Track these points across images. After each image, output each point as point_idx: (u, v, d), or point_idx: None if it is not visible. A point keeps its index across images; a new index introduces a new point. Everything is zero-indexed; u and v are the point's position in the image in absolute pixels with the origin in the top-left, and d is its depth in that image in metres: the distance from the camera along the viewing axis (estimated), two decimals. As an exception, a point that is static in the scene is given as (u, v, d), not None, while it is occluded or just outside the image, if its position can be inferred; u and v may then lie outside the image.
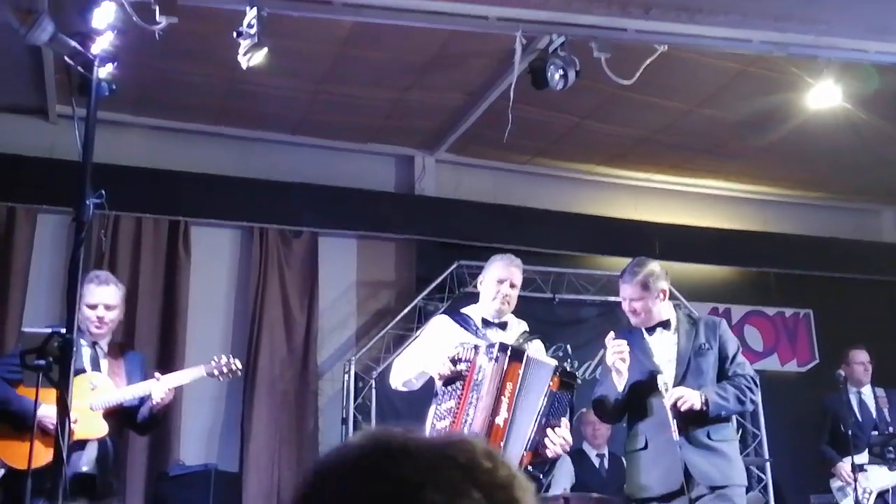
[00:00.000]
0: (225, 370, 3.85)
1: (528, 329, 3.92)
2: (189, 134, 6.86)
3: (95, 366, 3.93)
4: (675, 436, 3.64)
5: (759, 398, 4.18)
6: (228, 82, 6.14)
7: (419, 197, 7.36)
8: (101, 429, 3.72)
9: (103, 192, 3.06)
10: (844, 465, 5.67)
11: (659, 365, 3.88)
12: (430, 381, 3.74)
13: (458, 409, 3.54)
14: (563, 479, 5.88)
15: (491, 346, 3.59)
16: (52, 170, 5.93)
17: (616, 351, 3.74)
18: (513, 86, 4.96)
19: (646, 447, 3.78)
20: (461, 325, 3.81)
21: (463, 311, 3.95)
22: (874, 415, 5.96)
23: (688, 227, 7.94)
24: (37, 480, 3.23)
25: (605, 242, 7.63)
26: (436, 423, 3.60)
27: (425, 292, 6.71)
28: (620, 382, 3.74)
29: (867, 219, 8.89)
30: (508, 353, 3.56)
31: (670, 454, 3.67)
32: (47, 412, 3.55)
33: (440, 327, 3.90)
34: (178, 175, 6.60)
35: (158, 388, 3.74)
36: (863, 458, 5.69)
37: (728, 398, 3.75)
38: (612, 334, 3.88)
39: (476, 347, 3.61)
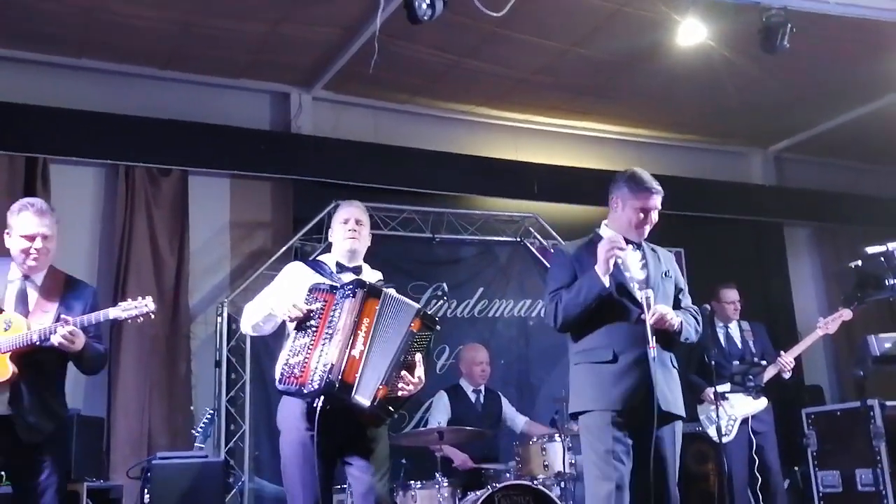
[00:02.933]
0: (135, 312, 3.61)
1: (382, 278, 3.93)
2: (48, 66, 6.47)
3: (22, 301, 3.68)
4: (653, 353, 3.51)
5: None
6: (90, 11, 5.80)
7: (295, 135, 7.17)
8: (6, 371, 3.52)
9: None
10: (711, 392, 5.91)
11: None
12: (282, 325, 3.72)
13: (312, 344, 3.52)
14: (439, 413, 5.94)
15: (348, 284, 3.61)
16: None
17: (613, 244, 3.59)
18: (379, 14, 4.81)
19: (614, 360, 3.60)
20: (315, 270, 3.81)
21: (318, 258, 4.02)
22: (740, 347, 6.22)
23: (566, 167, 8.02)
24: None
25: (484, 183, 7.64)
26: (289, 358, 3.54)
27: (302, 232, 6.58)
28: (607, 279, 3.58)
29: (736, 161, 9.20)
30: (366, 289, 3.58)
31: (641, 371, 3.55)
32: None
33: (293, 272, 3.88)
34: (35, 109, 6.22)
35: (61, 330, 3.51)
36: (726, 387, 5.94)
37: (691, 326, 3.74)
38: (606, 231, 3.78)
39: (332, 287, 3.62)
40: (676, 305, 3.78)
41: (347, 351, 3.48)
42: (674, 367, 3.72)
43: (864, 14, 5.86)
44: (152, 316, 3.65)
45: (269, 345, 5.75)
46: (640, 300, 3.61)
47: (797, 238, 9.39)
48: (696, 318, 3.82)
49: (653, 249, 3.86)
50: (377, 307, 3.56)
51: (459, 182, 7.55)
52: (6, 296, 3.69)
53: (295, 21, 6.07)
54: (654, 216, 3.77)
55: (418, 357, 3.64)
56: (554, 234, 7.41)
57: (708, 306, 5.58)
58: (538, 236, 7.47)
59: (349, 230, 3.86)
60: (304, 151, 7.11)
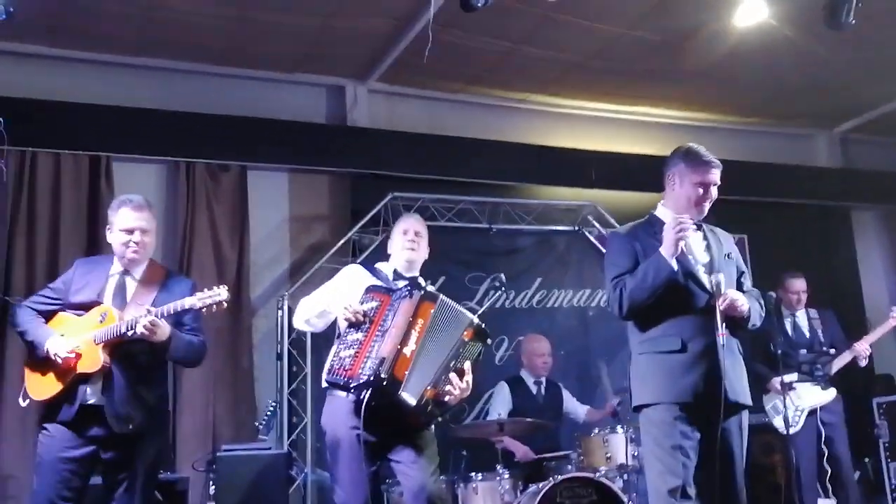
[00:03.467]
0: (209, 301, 3.68)
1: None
2: (108, 66, 6.57)
3: (121, 294, 3.81)
4: (722, 340, 3.36)
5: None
6: (147, 10, 5.88)
7: (352, 128, 7.19)
8: (97, 362, 3.64)
9: (1, 120, 2.92)
10: (777, 382, 5.78)
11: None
12: (333, 323, 3.81)
13: (365, 339, 3.57)
14: (500, 405, 5.91)
15: (405, 286, 3.71)
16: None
17: (682, 224, 3.42)
18: (432, 3, 4.78)
19: (683, 349, 3.43)
20: (372, 274, 3.90)
21: (375, 265, 4.06)
22: (808, 336, 6.07)
23: (623, 154, 7.91)
24: (49, 409, 3.69)
25: (540, 171, 7.57)
26: (341, 351, 3.59)
27: (359, 225, 6.60)
28: (675, 262, 3.42)
29: (800, 143, 8.97)
30: (422, 291, 3.68)
31: (710, 360, 3.39)
32: (54, 345, 3.63)
33: (351, 274, 3.99)
34: (97, 109, 6.32)
35: (142, 320, 3.60)
36: (793, 377, 5.81)
37: (756, 311, 3.60)
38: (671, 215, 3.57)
39: (389, 289, 3.72)
40: (739, 289, 3.65)
41: (400, 348, 3.52)
42: (740, 353, 3.59)
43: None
44: (225, 305, 3.70)
45: (329, 338, 5.77)
46: (708, 285, 3.47)
47: (865, 222, 9.12)
48: (759, 303, 3.68)
49: (712, 230, 3.72)
50: (432, 311, 3.63)
51: (515, 171, 7.49)
52: (106, 289, 3.83)
53: (348, 13, 6.08)
54: (714, 192, 3.61)
55: (467, 365, 3.66)
56: (612, 221, 7.29)
57: (773, 294, 5.49)
58: (596, 224, 7.37)
59: (409, 241, 3.98)
60: (361, 144, 7.12)
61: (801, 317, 6.16)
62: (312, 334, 6.26)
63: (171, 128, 6.53)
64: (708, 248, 3.61)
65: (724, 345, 3.36)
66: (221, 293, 3.68)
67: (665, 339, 3.48)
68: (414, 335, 3.56)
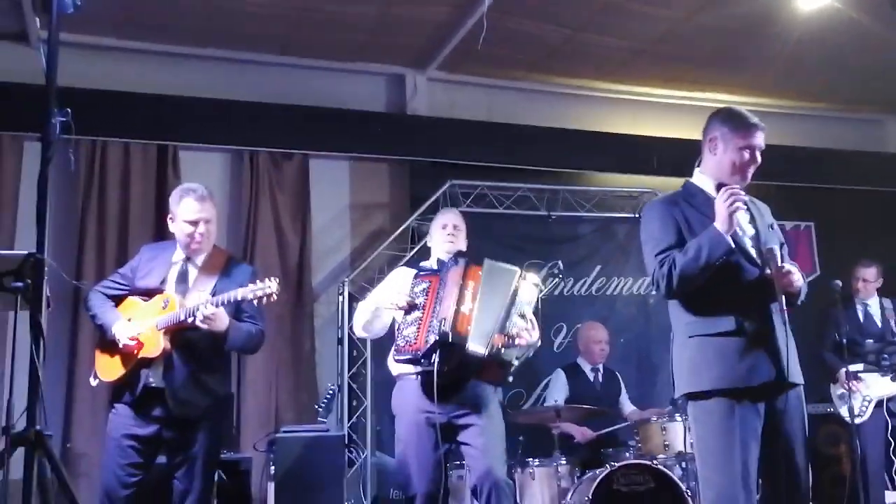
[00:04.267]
0: (260, 293, 3.73)
1: None
2: (174, 57, 6.72)
3: (183, 281, 3.92)
4: (784, 316, 3.11)
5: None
6: (211, 1, 6.01)
7: (411, 117, 7.23)
8: (158, 348, 3.75)
9: (69, 110, 3.02)
10: (843, 371, 5.68)
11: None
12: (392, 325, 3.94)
13: (423, 316, 3.68)
14: (557, 392, 5.92)
15: (450, 259, 3.86)
16: (36, 96, 5.81)
17: (735, 196, 3.12)
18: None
19: (739, 330, 3.12)
20: (419, 271, 4.01)
21: (421, 264, 4.17)
22: (880, 325, 5.95)
23: (686, 140, 7.72)
24: (117, 390, 3.87)
25: (601, 158, 7.51)
26: (403, 330, 3.72)
27: (418, 212, 6.65)
28: (728, 237, 3.12)
29: (870, 129, 8.72)
30: (466, 258, 3.84)
31: (771, 339, 3.12)
32: (119, 330, 3.78)
33: (398, 275, 4.12)
34: (165, 99, 6.48)
35: (202, 310, 3.70)
36: (859, 366, 5.70)
37: (805, 286, 3.31)
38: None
39: (436, 269, 3.88)
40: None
41: (457, 307, 3.63)
42: (790, 330, 3.21)
43: None
44: (274, 297, 3.74)
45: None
46: (760, 258, 3.20)
47: (936, 209, 8.83)
48: (803, 276, 3.34)
49: (752, 200, 3.40)
50: (480, 272, 3.75)
51: (575, 158, 7.45)
52: (168, 276, 3.93)
53: (408, 2, 6.11)
54: (759, 156, 3.30)
55: (528, 310, 3.73)
56: (675, 209, 7.23)
57: (839, 282, 5.39)
58: (658, 212, 7.28)
59: (448, 234, 4.10)
60: (420, 132, 7.17)
61: (874, 305, 6.04)
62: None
63: (235, 117, 6.66)
64: (752, 219, 3.33)
65: (785, 321, 3.12)
66: (272, 286, 3.72)
67: (718, 320, 3.16)
68: (468, 295, 3.68)
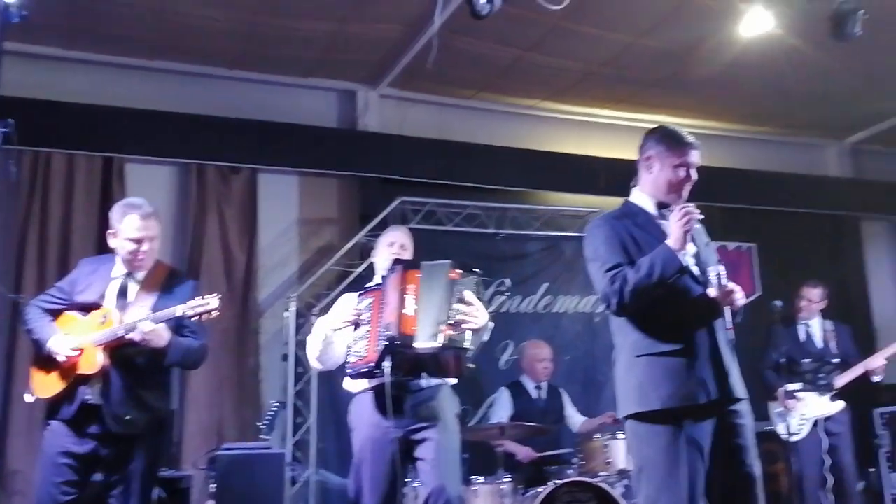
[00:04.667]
0: (200, 310, 3.70)
1: None
2: (122, 68, 6.66)
3: (122, 296, 3.85)
4: (731, 335, 3.13)
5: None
6: (161, 13, 5.97)
7: (362, 133, 7.25)
8: (96, 364, 3.69)
9: (11, 120, 2.99)
10: (782, 390, 5.80)
11: None
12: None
13: (371, 329, 3.66)
14: (501, 409, 5.95)
15: (389, 268, 3.82)
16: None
17: (691, 214, 3.13)
18: (438, 11, 4.82)
19: (686, 349, 3.12)
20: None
21: (366, 286, 4.07)
22: (819, 346, 6.07)
23: (632, 161, 7.86)
24: (52, 407, 3.77)
25: (549, 177, 7.61)
26: (354, 346, 3.70)
27: (367, 228, 6.65)
28: (681, 256, 3.13)
29: (811, 153, 8.96)
30: (403, 265, 3.79)
31: (717, 357, 3.14)
32: (56, 344, 3.71)
33: (343, 301, 4.03)
34: (112, 111, 6.41)
35: (141, 325, 3.65)
36: (797, 385, 5.81)
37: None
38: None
39: (378, 285, 3.81)
40: None
41: (400, 311, 3.62)
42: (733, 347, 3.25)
43: (942, -1, 5.64)
44: (215, 314, 3.70)
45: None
46: (702, 276, 3.22)
47: (875, 232, 9.09)
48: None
49: None
50: (418, 274, 3.71)
51: (524, 177, 7.53)
52: (107, 292, 3.86)
53: (360, 19, 6.14)
54: (694, 174, 3.32)
55: (468, 294, 3.68)
56: (620, 229, 7.33)
57: (779, 303, 5.51)
58: (604, 231, 7.39)
59: (394, 253, 4.04)
60: (371, 148, 7.18)
61: (815, 326, 6.16)
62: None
63: (183, 130, 6.61)
64: (693, 238, 3.30)
65: (731, 339, 3.14)
66: (212, 302, 3.69)
67: (665, 339, 3.15)
68: (409, 298, 3.65)
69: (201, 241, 6.49)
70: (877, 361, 5.75)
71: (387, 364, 3.54)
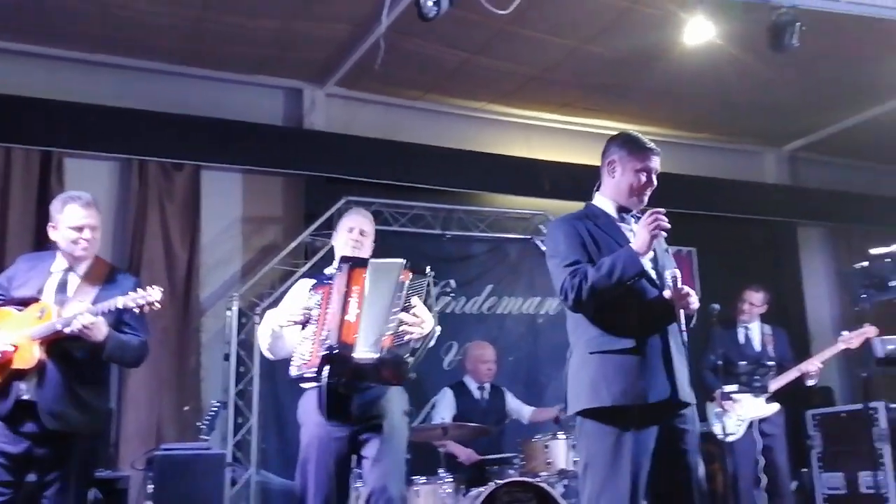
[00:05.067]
0: (141, 301, 3.64)
1: None
2: (64, 61, 6.53)
3: (62, 291, 3.77)
4: (684, 337, 3.19)
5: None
6: (105, 6, 5.87)
7: (308, 131, 7.21)
8: (32, 359, 3.61)
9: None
10: (718, 392, 5.92)
11: None
12: None
13: (317, 330, 3.61)
14: (444, 410, 5.98)
15: (337, 266, 3.71)
16: None
17: (659, 221, 3.19)
18: (385, 11, 4.83)
19: (636, 348, 3.19)
20: (318, 280, 3.87)
21: (324, 271, 4.02)
22: (757, 349, 6.20)
23: (577, 165, 7.98)
24: None
25: (495, 180, 7.66)
26: (299, 348, 3.64)
27: (312, 228, 6.62)
28: (644, 259, 3.19)
29: (750, 160, 9.15)
30: (350, 263, 3.68)
31: (668, 359, 3.21)
32: None
33: (299, 288, 3.96)
34: (51, 104, 6.28)
35: (80, 318, 3.57)
36: (734, 387, 5.94)
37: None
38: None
39: (329, 278, 3.72)
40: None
41: (342, 317, 3.54)
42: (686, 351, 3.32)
43: (875, 13, 5.81)
44: (156, 305, 3.66)
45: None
46: (659, 280, 3.28)
47: (811, 239, 9.32)
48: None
49: None
50: (364, 274, 3.63)
51: (470, 179, 7.57)
52: (46, 286, 3.79)
53: (308, 17, 6.11)
54: (654, 179, 3.43)
55: (416, 300, 3.66)
56: (564, 231, 7.42)
57: (716, 306, 5.62)
58: (548, 234, 7.48)
59: (353, 239, 3.93)
60: (317, 147, 7.15)
61: (755, 329, 6.30)
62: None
63: (125, 125, 6.50)
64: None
65: (685, 342, 3.20)
66: (153, 294, 3.64)
67: (619, 337, 3.22)
68: (353, 301, 3.57)
69: (142, 238, 6.40)
70: (812, 365, 5.90)
71: (324, 375, 3.50)
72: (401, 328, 3.54)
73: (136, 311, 3.67)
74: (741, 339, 6.26)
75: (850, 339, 5.73)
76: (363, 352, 3.51)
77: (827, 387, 8.39)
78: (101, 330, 3.65)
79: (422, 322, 3.64)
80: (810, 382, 5.95)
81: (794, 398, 6.38)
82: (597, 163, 8.15)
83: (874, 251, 4.56)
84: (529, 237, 7.50)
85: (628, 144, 3.46)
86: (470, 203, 7.46)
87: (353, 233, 3.95)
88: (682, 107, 7.77)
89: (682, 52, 6.25)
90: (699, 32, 5.65)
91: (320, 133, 7.22)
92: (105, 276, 3.89)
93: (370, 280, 3.62)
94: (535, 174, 7.73)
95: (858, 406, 6.11)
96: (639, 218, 3.37)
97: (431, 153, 7.45)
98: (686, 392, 3.26)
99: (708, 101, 7.55)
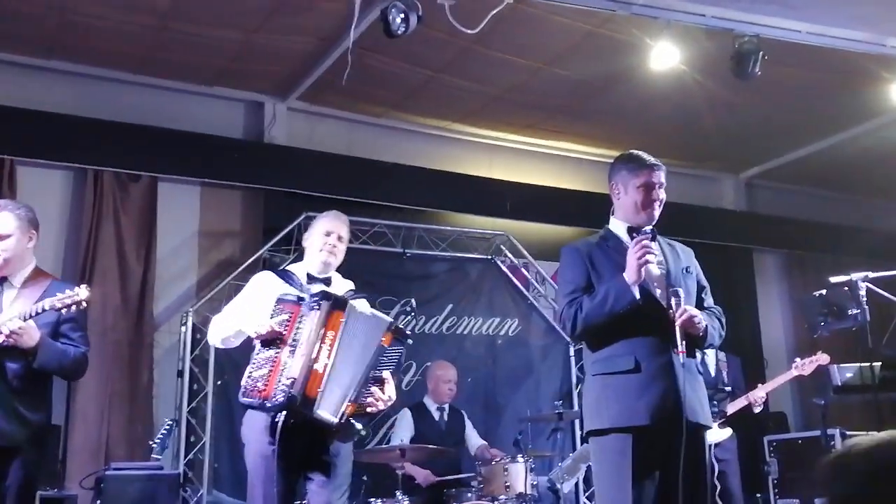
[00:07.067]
0: (69, 301, 3.49)
1: (353, 288, 3.82)
2: (18, 67, 6.39)
3: None
4: (682, 358, 3.14)
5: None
6: (62, 12, 5.75)
7: (268, 145, 7.12)
8: None
9: None
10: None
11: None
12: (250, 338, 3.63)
13: (276, 357, 3.44)
14: (402, 431, 5.90)
15: (314, 295, 3.52)
16: None
17: (645, 249, 3.17)
18: (353, 27, 4.79)
19: (636, 369, 3.17)
20: (284, 281, 3.71)
21: (287, 267, 3.87)
22: (713, 375, 6.22)
23: (539, 186, 8.03)
24: None
25: (456, 199, 7.64)
26: (253, 371, 3.48)
27: (271, 243, 6.53)
28: (636, 288, 3.16)
29: (708, 185, 9.25)
30: (330, 301, 3.50)
31: (669, 379, 3.16)
32: None
33: (262, 282, 3.78)
34: (4, 110, 6.13)
35: (9, 324, 3.42)
36: (689, 412, 5.94)
37: (715, 329, 3.35)
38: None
39: (299, 298, 3.53)
40: (699, 305, 3.40)
41: (310, 365, 3.40)
42: (699, 372, 3.34)
43: (836, 45, 5.92)
44: (85, 304, 3.51)
45: (232, 356, 5.67)
46: (664, 300, 3.23)
47: (766, 265, 9.44)
48: (720, 321, 3.44)
49: (670, 244, 3.49)
50: (342, 319, 3.47)
51: (432, 197, 7.53)
52: None
53: (271, 30, 6.05)
54: (662, 193, 3.41)
55: (387, 374, 3.56)
56: (525, 252, 7.43)
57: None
58: (509, 255, 7.47)
59: (328, 244, 3.74)
60: (277, 162, 7.06)
61: (710, 355, 6.32)
62: (216, 353, 6.15)
63: (80, 134, 6.37)
64: (663, 261, 3.35)
65: (683, 363, 3.15)
66: (80, 292, 3.50)
67: (618, 359, 3.23)
68: (325, 349, 3.42)
69: (95, 250, 6.25)
70: (758, 393, 5.95)
71: (280, 418, 3.37)
72: (367, 399, 3.47)
73: (64, 310, 3.51)
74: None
75: (803, 366, 5.76)
76: (324, 412, 3.41)
77: (781, 412, 8.48)
78: (31, 335, 3.49)
79: (389, 401, 3.55)
80: (757, 410, 5.99)
81: (750, 424, 6.41)
82: (560, 184, 8.21)
83: (834, 279, 4.58)
84: (490, 257, 7.48)
85: (627, 163, 3.45)
86: (431, 222, 7.42)
87: (330, 237, 3.74)
88: (644, 131, 7.82)
89: (646, 77, 6.30)
90: (664, 58, 5.69)
91: (281, 147, 7.14)
92: (44, 287, 3.71)
93: (348, 328, 3.47)
94: (498, 194, 7.73)
95: (815, 432, 6.15)
96: (652, 237, 3.32)
97: (393, 170, 7.41)
98: (695, 412, 3.20)
99: (669, 125, 7.62)
